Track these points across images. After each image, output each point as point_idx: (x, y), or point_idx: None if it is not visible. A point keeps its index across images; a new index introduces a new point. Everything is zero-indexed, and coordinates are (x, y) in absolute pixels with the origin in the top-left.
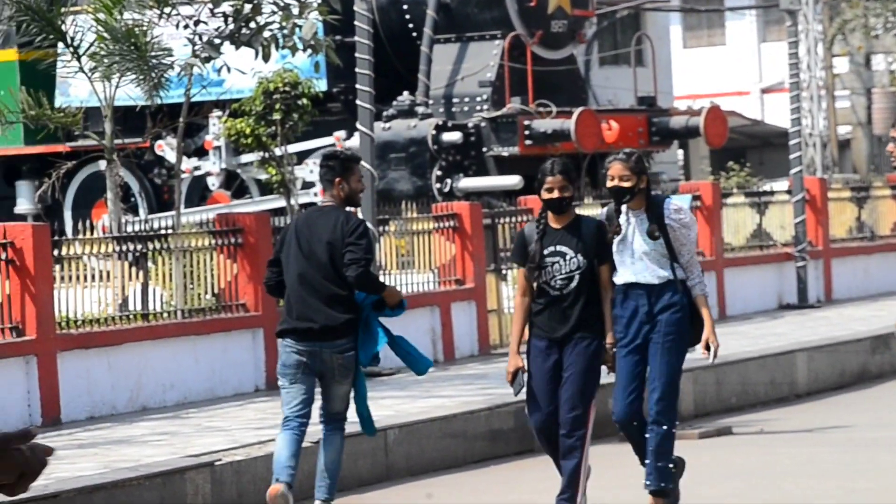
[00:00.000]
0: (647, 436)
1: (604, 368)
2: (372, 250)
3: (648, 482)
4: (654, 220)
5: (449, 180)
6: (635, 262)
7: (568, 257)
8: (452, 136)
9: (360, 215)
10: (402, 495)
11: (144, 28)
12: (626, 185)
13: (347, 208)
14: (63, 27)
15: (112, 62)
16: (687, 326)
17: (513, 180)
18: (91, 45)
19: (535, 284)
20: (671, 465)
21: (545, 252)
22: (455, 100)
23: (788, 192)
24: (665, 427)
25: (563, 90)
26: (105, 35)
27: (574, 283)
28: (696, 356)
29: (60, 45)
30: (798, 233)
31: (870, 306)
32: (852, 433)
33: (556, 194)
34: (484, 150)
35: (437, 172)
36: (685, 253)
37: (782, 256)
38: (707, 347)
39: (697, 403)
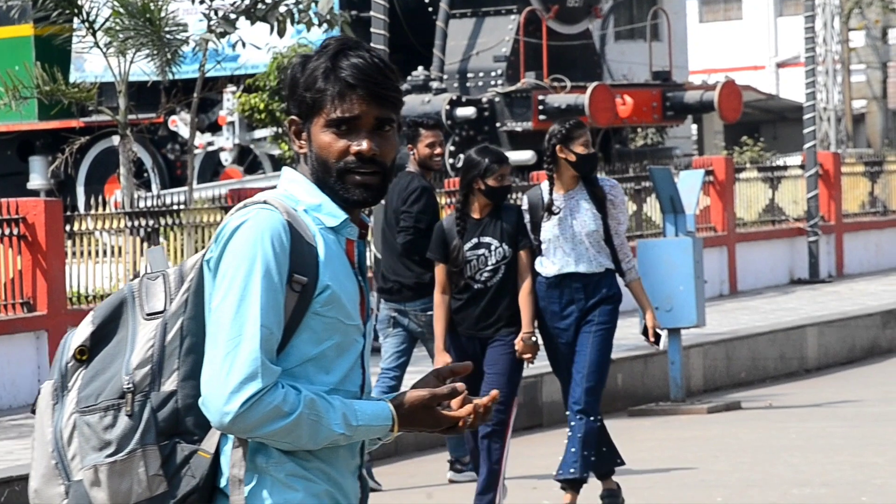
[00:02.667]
0: (571, 424)
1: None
2: (423, 218)
3: (573, 470)
4: (598, 196)
5: (462, 156)
6: (576, 247)
7: (493, 248)
8: (466, 111)
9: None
10: (409, 470)
11: (160, 3)
12: (593, 151)
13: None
14: (79, 2)
15: (127, 37)
16: (617, 318)
17: (526, 155)
18: (106, 20)
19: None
20: (593, 458)
21: (468, 246)
22: (469, 75)
23: (801, 166)
24: (592, 418)
25: (578, 65)
26: (120, 10)
27: (500, 275)
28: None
29: (76, 20)
30: (810, 207)
31: (881, 281)
32: (861, 408)
33: (506, 182)
34: (498, 125)
35: (450, 147)
36: (620, 233)
37: (794, 231)
38: (656, 336)
39: (707, 378)
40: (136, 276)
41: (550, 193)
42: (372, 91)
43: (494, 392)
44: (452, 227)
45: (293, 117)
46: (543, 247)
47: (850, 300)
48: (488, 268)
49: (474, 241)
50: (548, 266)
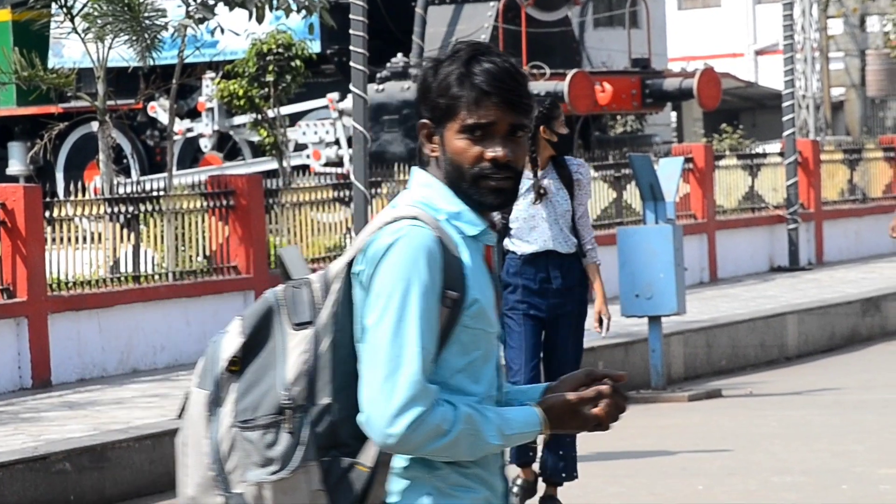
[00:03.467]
0: None
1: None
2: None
3: (564, 475)
4: (567, 176)
5: None
6: (551, 227)
7: None
8: None
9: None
10: None
11: None
12: (564, 131)
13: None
14: None
15: (105, 23)
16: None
17: None
18: (84, 5)
19: None
20: (574, 454)
21: None
22: None
23: (781, 154)
24: None
25: (557, 52)
26: None
27: None
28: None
29: (54, 5)
30: (790, 195)
31: (861, 269)
32: (841, 395)
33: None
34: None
35: None
36: (581, 211)
37: (774, 219)
38: (600, 321)
39: (687, 366)
40: (284, 278)
41: (535, 175)
42: (506, 98)
43: (621, 374)
44: None
45: (425, 121)
46: (516, 226)
47: (830, 288)
48: None
49: None
50: (522, 245)
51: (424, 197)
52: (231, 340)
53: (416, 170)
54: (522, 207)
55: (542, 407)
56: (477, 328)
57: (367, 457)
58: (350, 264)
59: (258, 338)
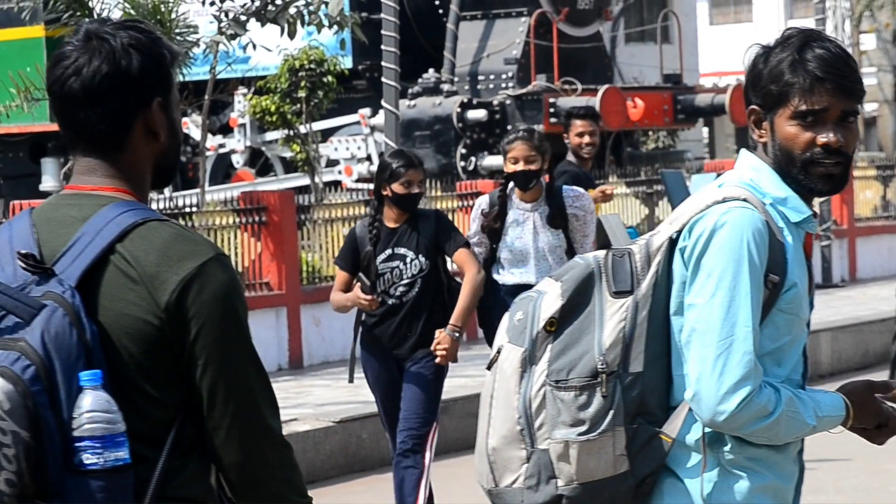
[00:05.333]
0: None
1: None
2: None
3: None
4: (556, 210)
5: (474, 158)
6: (539, 263)
7: (408, 260)
8: (477, 114)
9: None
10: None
11: (170, 5)
12: (534, 167)
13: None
14: (90, 3)
15: None
16: None
17: None
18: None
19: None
20: None
21: (381, 257)
22: (480, 77)
23: None
24: None
25: (589, 67)
26: (131, 12)
27: (416, 290)
28: None
29: (86, 21)
30: (822, 211)
31: (894, 286)
32: None
33: (414, 189)
34: (509, 127)
35: (461, 150)
36: (586, 246)
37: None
38: None
39: None
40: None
41: (504, 201)
42: (839, 84)
43: None
44: (365, 234)
45: (754, 107)
46: (503, 256)
47: (864, 305)
48: (403, 281)
49: (388, 252)
50: (506, 276)
51: (752, 180)
52: (551, 301)
53: (744, 152)
54: (510, 239)
55: (843, 392)
56: (791, 313)
57: (672, 428)
58: (672, 239)
59: (577, 301)
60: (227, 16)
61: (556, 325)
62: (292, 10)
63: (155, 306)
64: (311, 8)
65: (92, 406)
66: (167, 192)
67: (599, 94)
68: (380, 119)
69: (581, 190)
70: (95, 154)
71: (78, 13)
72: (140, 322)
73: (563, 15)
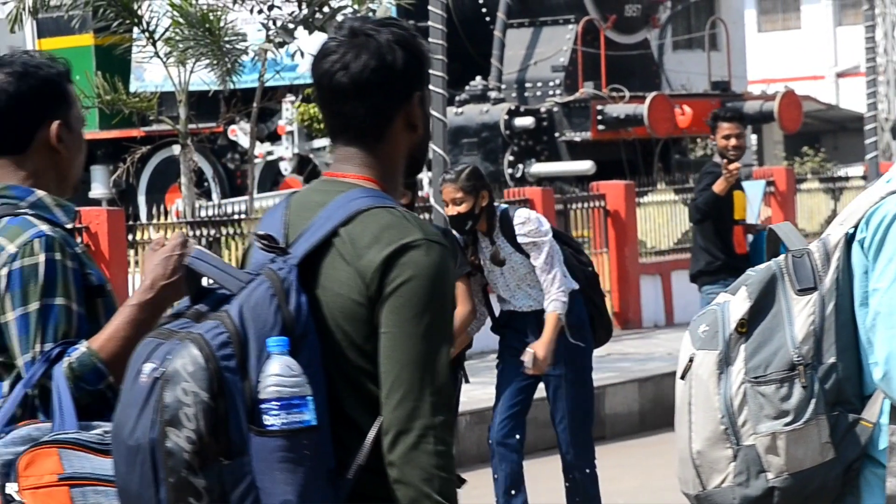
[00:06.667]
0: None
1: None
2: (700, 198)
3: None
4: (509, 240)
5: (521, 165)
6: (514, 293)
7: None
8: (525, 121)
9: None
10: (472, 482)
11: (219, 13)
12: (462, 209)
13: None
14: (139, 12)
15: (187, 47)
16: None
17: (585, 165)
18: (166, 30)
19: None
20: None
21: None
22: (528, 84)
23: (864, 177)
24: (588, 469)
25: (637, 75)
26: (180, 20)
27: None
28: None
29: (136, 29)
30: None
31: None
32: None
33: (450, 209)
34: (556, 135)
35: (509, 157)
36: (539, 266)
37: None
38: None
39: None
40: (777, 252)
41: (467, 243)
42: None
43: None
44: None
45: None
46: (492, 287)
47: None
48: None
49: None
50: (499, 305)
51: None
52: (739, 305)
53: None
54: (487, 272)
55: None
56: None
57: (872, 413)
58: (848, 235)
59: (764, 302)
60: (275, 24)
61: (747, 327)
62: (340, 18)
63: (362, 286)
64: (359, 16)
65: (276, 370)
66: (216, 198)
67: (647, 101)
68: None
69: (528, 214)
70: (356, 144)
71: (127, 21)
72: (349, 301)
73: (611, 22)
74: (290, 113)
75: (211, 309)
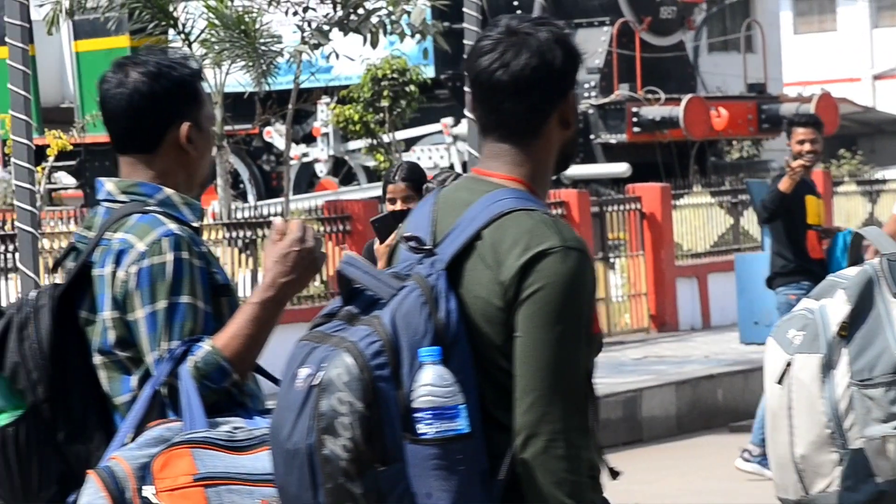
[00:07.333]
0: None
1: None
2: (767, 201)
3: None
4: None
5: None
6: None
7: None
8: None
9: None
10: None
11: (254, 15)
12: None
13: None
14: (174, 14)
15: (222, 49)
16: None
17: (621, 168)
18: (202, 31)
19: None
20: None
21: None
22: None
23: None
24: None
25: (672, 77)
26: (216, 22)
27: None
28: None
29: (172, 31)
30: None
31: None
32: None
33: (398, 205)
34: (592, 137)
35: None
36: None
37: None
38: None
39: None
40: (859, 255)
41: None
42: None
43: None
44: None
45: None
46: None
47: None
48: None
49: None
50: None
51: None
52: (838, 308)
53: None
54: None
55: None
56: None
57: None
58: None
59: (862, 306)
60: (310, 26)
61: (847, 330)
62: (374, 20)
63: (500, 291)
64: (394, 17)
65: (429, 380)
66: (251, 200)
67: (683, 103)
68: (462, 128)
69: None
70: (510, 141)
71: (163, 23)
72: (489, 305)
73: (646, 24)
74: (325, 115)
75: (362, 311)
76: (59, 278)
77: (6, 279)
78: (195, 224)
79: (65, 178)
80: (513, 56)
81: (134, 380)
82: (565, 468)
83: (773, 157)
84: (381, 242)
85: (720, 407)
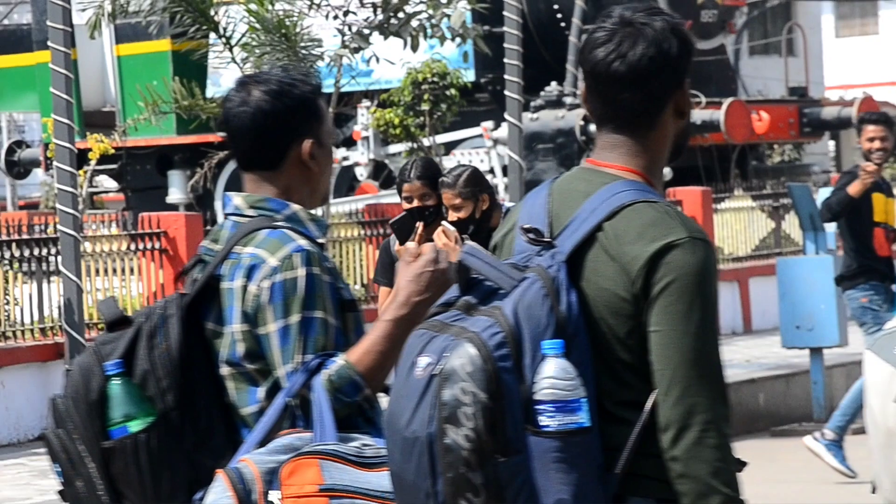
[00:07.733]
0: None
1: None
2: (832, 200)
3: None
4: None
5: None
6: None
7: None
8: None
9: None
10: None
11: (295, 19)
12: (462, 214)
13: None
14: (215, 18)
15: (263, 52)
16: None
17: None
18: (243, 35)
19: None
20: None
21: None
22: None
23: None
24: None
25: (713, 80)
26: (256, 26)
27: None
28: None
29: (212, 35)
30: None
31: None
32: None
33: (415, 203)
34: None
35: None
36: None
37: None
38: None
39: None
40: None
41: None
42: None
43: None
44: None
45: None
46: None
47: None
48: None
49: None
50: None
51: None
52: None
53: None
54: None
55: None
56: None
57: None
58: None
59: None
60: (350, 29)
61: None
62: (415, 24)
63: (627, 282)
64: (434, 21)
65: (552, 373)
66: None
67: (724, 106)
68: (503, 132)
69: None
70: (626, 132)
71: (203, 27)
72: (614, 296)
73: (687, 27)
74: (365, 118)
75: (479, 302)
76: (183, 288)
77: (49, 282)
78: (320, 240)
79: (106, 182)
80: (629, 46)
81: (261, 392)
82: (719, 457)
83: (814, 161)
84: (401, 244)
85: (761, 411)
